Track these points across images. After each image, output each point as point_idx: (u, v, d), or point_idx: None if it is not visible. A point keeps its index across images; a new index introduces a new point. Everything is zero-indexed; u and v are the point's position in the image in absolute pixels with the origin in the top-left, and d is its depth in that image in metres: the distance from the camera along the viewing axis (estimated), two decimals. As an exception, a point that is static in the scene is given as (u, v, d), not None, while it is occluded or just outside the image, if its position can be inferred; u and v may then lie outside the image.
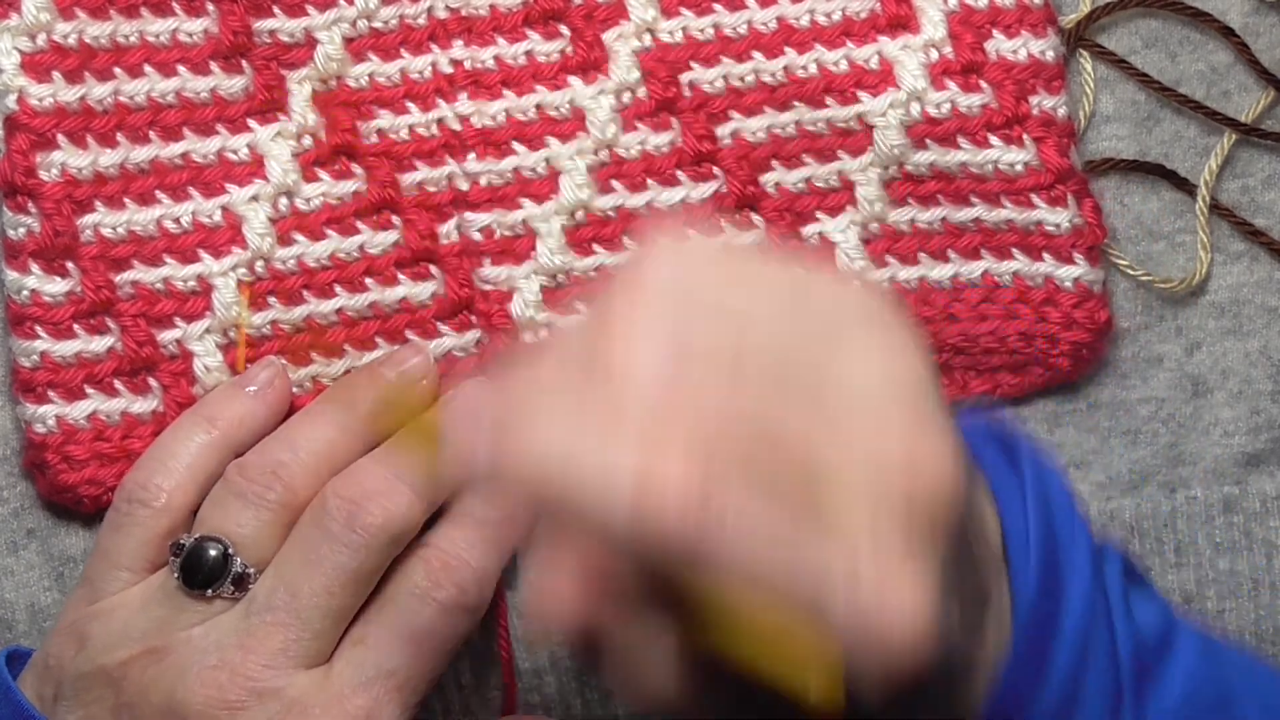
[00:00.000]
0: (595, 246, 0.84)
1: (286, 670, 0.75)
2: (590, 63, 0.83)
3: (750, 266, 0.62)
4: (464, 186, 0.83)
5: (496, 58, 0.84)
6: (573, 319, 0.80)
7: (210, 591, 0.76)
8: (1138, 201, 0.87)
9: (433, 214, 0.83)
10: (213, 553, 0.76)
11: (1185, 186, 0.87)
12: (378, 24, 0.83)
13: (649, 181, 0.84)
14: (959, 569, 0.60)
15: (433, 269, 0.83)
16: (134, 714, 0.76)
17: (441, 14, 0.84)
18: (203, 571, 0.76)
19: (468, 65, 0.84)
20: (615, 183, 0.84)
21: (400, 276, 0.83)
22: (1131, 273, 0.86)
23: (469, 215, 0.83)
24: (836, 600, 0.56)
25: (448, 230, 0.83)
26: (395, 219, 0.83)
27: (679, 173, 0.84)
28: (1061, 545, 0.67)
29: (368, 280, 0.83)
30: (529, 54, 0.84)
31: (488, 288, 0.83)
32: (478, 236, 0.83)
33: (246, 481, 0.78)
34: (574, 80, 0.84)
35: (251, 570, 0.77)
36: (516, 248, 0.83)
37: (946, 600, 0.58)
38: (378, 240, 0.83)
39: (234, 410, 0.80)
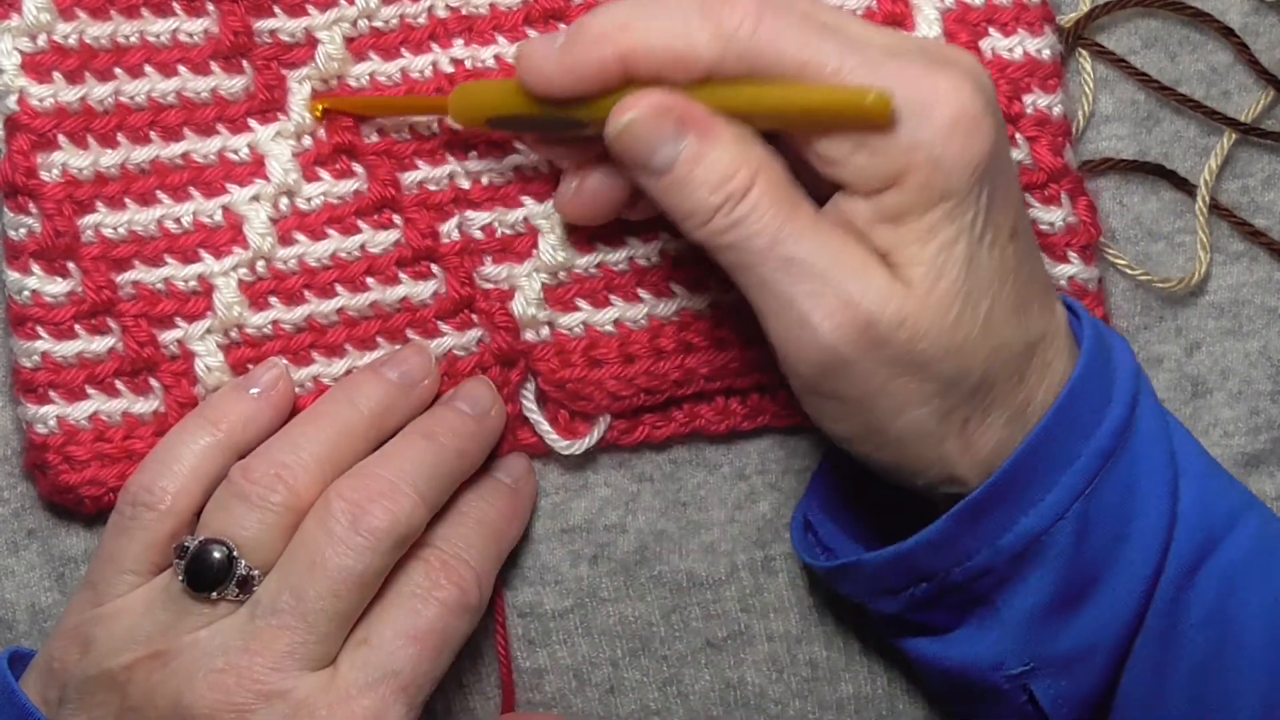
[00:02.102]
0: (597, 244, 0.84)
1: (293, 673, 0.75)
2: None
3: None
4: (465, 185, 0.83)
5: (497, 57, 0.83)
6: None
7: (215, 594, 0.76)
8: (1137, 201, 0.87)
9: (434, 213, 0.83)
10: (217, 555, 0.76)
11: (1185, 186, 0.87)
12: (378, 23, 0.83)
13: None
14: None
15: (434, 268, 0.83)
16: (140, 718, 0.76)
17: (442, 13, 0.83)
18: (207, 574, 0.76)
19: (468, 64, 0.83)
20: None
21: (401, 275, 0.83)
22: (1130, 272, 0.86)
23: (470, 214, 0.83)
24: (883, 59, 0.71)
25: (449, 229, 0.83)
26: (396, 218, 0.83)
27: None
28: (1113, 345, 0.78)
29: (369, 279, 0.83)
30: None
31: (489, 286, 0.83)
32: (479, 235, 0.83)
33: (250, 484, 0.78)
34: None
35: (256, 572, 0.77)
36: (517, 246, 0.83)
37: (999, 135, 0.72)
38: (379, 239, 0.83)
39: (237, 412, 0.80)
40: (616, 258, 0.84)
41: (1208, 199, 0.87)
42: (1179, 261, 0.87)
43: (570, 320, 0.84)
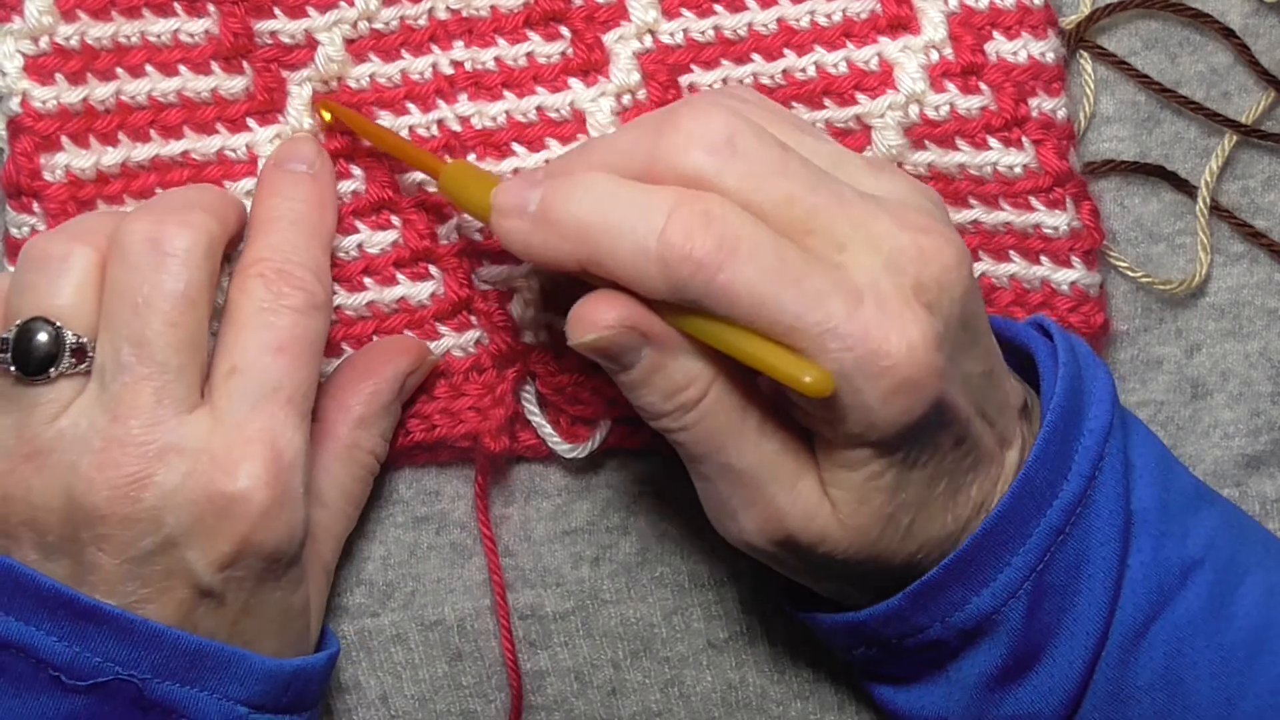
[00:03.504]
0: None
1: (171, 421, 0.74)
2: (591, 64, 0.83)
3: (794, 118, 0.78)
4: None
5: (497, 59, 0.84)
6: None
7: (53, 372, 0.74)
8: (1138, 203, 0.87)
9: (432, 214, 0.83)
10: (41, 334, 0.74)
11: (1185, 188, 0.87)
12: (378, 25, 0.83)
13: None
14: (970, 346, 0.73)
15: (432, 269, 0.83)
16: (36, 529, 0.74)
17: (442, 15, 0.84)
18: (37, 354, 0.74)
19: (468, 66, 0.84)
20: None
21: (399, 276, 0.83)
22: (1131, 274, 0.86)
23: (468, 215, 0.83)
24: (840, 316, 0.69)
25: (447, 230, 0.83)
26: (395, 219, 0.83)
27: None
28: (1086, 373, 0.78)
29: (366, 279, 0.83)
30: (530, 55, 0.84)
31: (486, 287, 0.83)
32: (477, 236, 0.83)
33: (41, 256, 0.76)
34: (574, 82, 0.84)
35: (85, 339, 0.74)
36: None
37: (956, 354, 0.72)
38: (376, 240, 0.83)
39: None
40: None
41: (1208, 200, 0.86)
42: (1179, 263, 0.87)
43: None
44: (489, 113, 0.83)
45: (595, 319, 0.72)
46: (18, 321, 0.75)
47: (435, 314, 0.83)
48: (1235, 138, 0.86)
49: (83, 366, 0.74)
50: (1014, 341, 0.80)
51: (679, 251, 0.69)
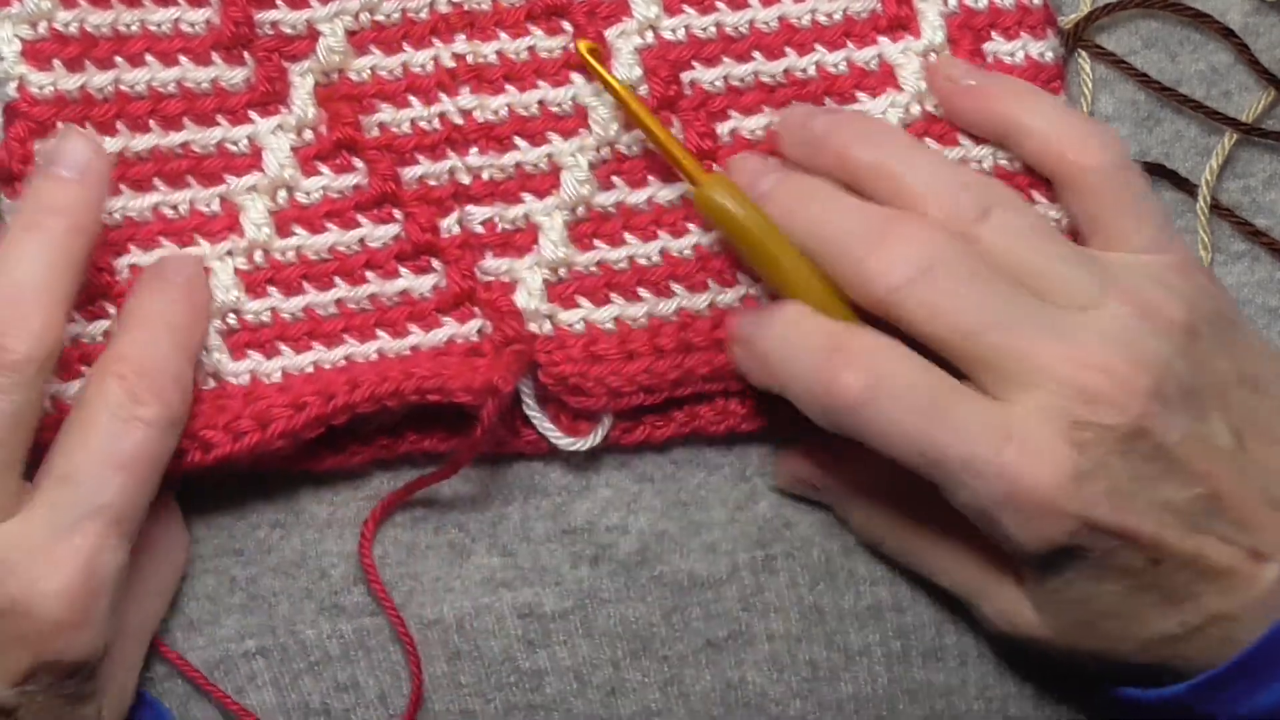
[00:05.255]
0: (596, 242, 0.83)
1: None
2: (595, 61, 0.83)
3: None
4: (465, 180, 0.83)
5: (499, 52, 0.83)
6: None
7: None
8: None
9: (434, 208, 0.82)
10: None
11: (1186, 186, 0.87)
12: (380, 17, 0.83)
13: (649, 178, 0.84)
14: (1164, 474, 0.74)
15: (434, 262, 0.83)
16: None
17: (444, 8, 0.83)
18: None
19: (470, 60, 0.83)
20: (616, 179, 0.84)
21: (401, 269, 0.82)
22: None
23: (470, 208, 0.83)
24: (983, 454, 0.73)
25: (449, 224, 0.83)
26: (396, 212, 0.82)
27: (680, 169, 0.84)
28: None
29: (367, 273, 0.82)
30: (531, 49, 0.83)
31: (489, 279, 0.83)
32: (479, 229, 0.83)
33: None
34: (576, 77, 0.83)
35: None
36: (518, 241, 0.83)
37: (1127, 484, 0.74)
38: (378, 234, 0.82)
39: None
40: (617, 256, 0.83)
41: (1209, 199, 0.87)
42: None
43: (570, 316, 0.83)
44: (491, 106, 0.83)
45: (780, 469, 0.85)
46: None
47: (437, 306, 0.82)
48: (1235, 136, 0.87)
49: None
50: None
51: (831, 395, 0.76)
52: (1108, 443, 0.74)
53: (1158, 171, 0.87)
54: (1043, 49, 0.84)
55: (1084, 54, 0.87)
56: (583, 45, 0.81)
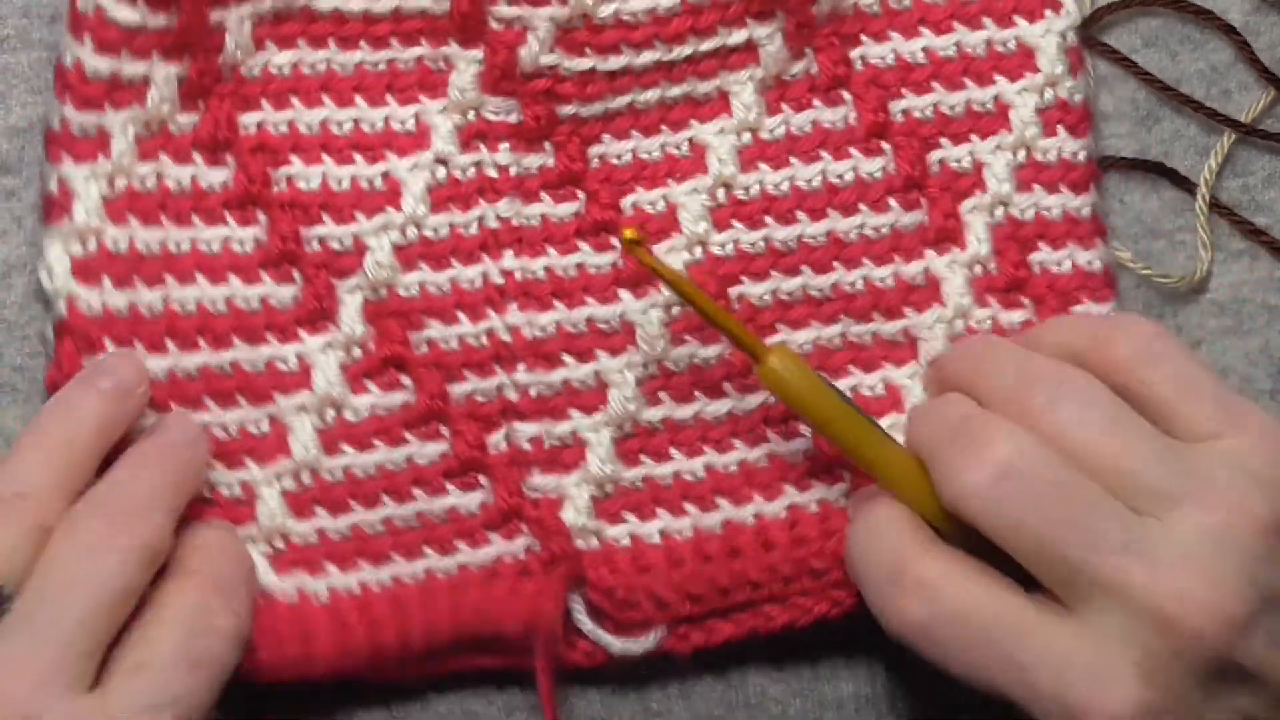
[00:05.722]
0: (643, 458, 0.84)
1: (56, 693, 0.72)
2: (641, 277, 0.83)
3: None
4: (513, 397, 0.83)
5: (548, 269, 0.83)
6: None
7: None
8: (1138, 200, 0.88)
9: (481, 424, 0.83)
10: None
11: (1185, 185, 0.88)
12: (427, 231, 0.83)
13: (696, 394, 0.84)
14: (1233, 689, 0.73)
15: (481, 478, 0.83)
16: None
17: (493, 224, 0.83)
18: None
19: (518, 276, 0.83)
20: (663, 395, 0.84)
21: (448, 486, 0.83)
22: (1132, 266, 0.87)
23: (518, 425, 0.83)
24: (1044, 681, 0.73)
25: (496, 440, 0.83)
26: (443, 429, 0.82)
27: (726, 384, 0.84)
28: None
29: (415, 490, 0.82)
30: (580, 266, 0.83)
31: (536, 495, 0.83)
32: (526, 446, 0.83)
33: None
34: (624, 294, 0.84)
35: (8, 591, 0.74)
36: (565, 457, 0.83)
37: (1194, 708, 0.73)
38: (426, 451, 0.82)
39: None
40: (663, 472, 0.84)
41: (1208, 197, 0.88)
42: (1179, 260, 0.88)
43: (617, 531, 0.83)
44: (539, 323, 0.83)
45: None
46: None
47: (485, 523, 0.83)
48: (1235, 135, 0.88)
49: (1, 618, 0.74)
50: None
51: (888, 617, 0.77)
52: (1181, 674, 0.73)
53: (1157, 170, 0.88)
54: (1091, 258, 0.84)
55: (1086, 52, 0.87)
56: (628, 233, 0.79)
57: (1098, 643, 0.73)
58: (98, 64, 0.80)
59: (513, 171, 0.84)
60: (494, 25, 0.83)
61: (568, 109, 0.84)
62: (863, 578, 0.79)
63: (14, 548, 0.75)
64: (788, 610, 0.84)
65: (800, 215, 0.84)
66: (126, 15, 0.80)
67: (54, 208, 0.81)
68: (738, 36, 0.84)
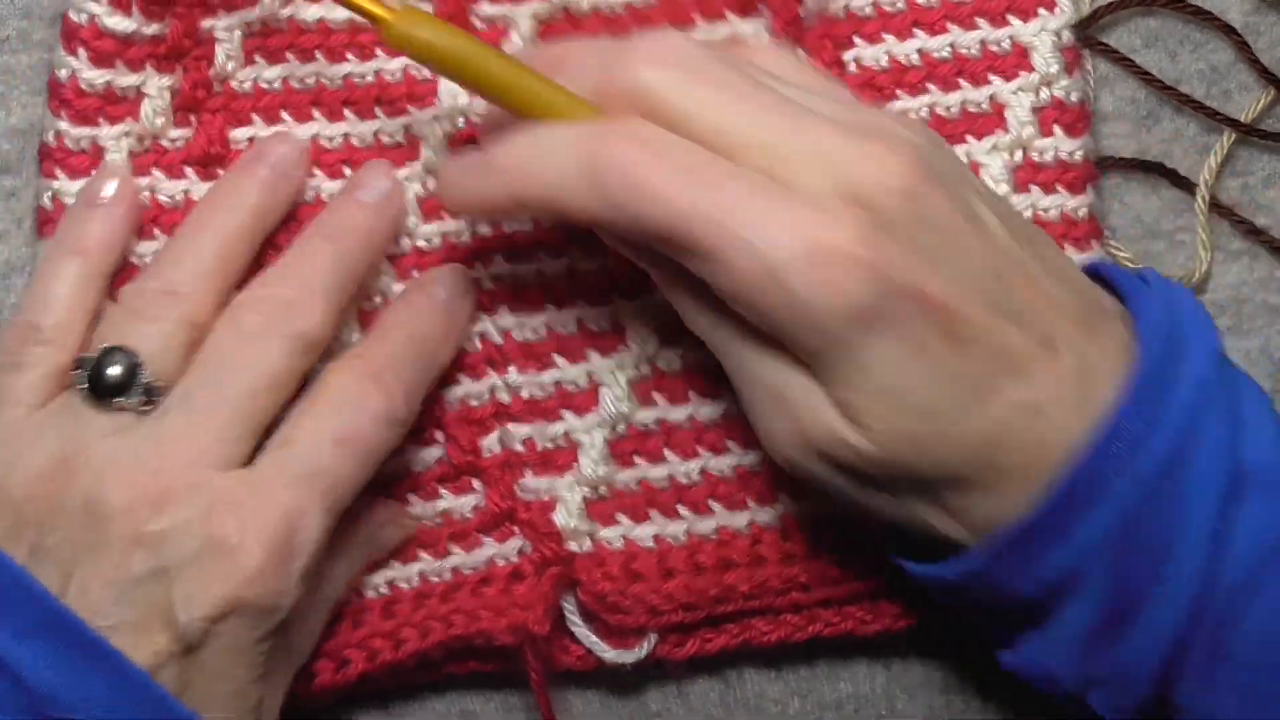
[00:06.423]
0: (637, 459, 0.84)
1: (208, 470, 0.74)
2: (632, 278, 0.83)
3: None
4: (505, 399, 0.84)
5: (539, 271, 0.84)
6: None
7: (119, 401, 0.75)
8: (1137, 200, 0.88)
9: (475, 428, 0.83)
10: (119, 363, 0.75)
11: (1185, 185, 0.88)
12: (420, 241, 0.83)
13: (690, 394, 0.84)
14: (948, 244, 0.73)
15: (474, 482, 0.83)
16: (41, 530, 0.74)
17: (484, 230, 0.84)
18: (110, 381, 0.75)
19: (510, 280, 0.84)
20: (657, 395, 0.84)
21: (442, 490, 0.83)
22: (1131, 266, 0.86)
23: (511, 427, 0.83)
24: (769, 215, 0.71)
25: (489, 443, 0.83)
26: (439, 435, 0.83)
27: (720, 386, 0.84)
28: (1186, 320, 0.76)
29: (410, 495, 0.83)
30: (570, 268, 0.84)
31: (529, 498, 0.83)
32: (519, 448, 0.83)
33: (145, 302, 0.77)
34: (615, 295, 0.84)
35: (160, 384, 0.76)
36: (558, 459, 0.84)
37: (919, 251, 0.72)
38: (422, 457, 0.83)
39: (95, 233, 0.80)
40: (658, 474, 0.84)
41: (1208, 197, 0.87)
42: (1179, 260, 0.88)
43: (610, 533, 0.84)
44: (530, 325, 0.84)
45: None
46: (104, 345, 0.76)
47: (478, 526, 0.83)
48: (1235, 135, 0.88)
49: (148, 408, 0.75)
50: (1111, 284, 0.79)
51: (596, 170, 0.72)
52: (889, 205, 0.72)
53: (1157, 170, 0.87)
54: (1086, 260, 0.84)
55: (1085, 51, 0.86)
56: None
57: (813, 185, 0.72)
58: (92, 76, 0.81)
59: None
60: (477, 24, 0.84)
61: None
62: (545, 175, 0.74)
63: (163, 345, 0.76)
64: (780, 627, 0.85)
65: None
66: (121, 23, 0.81)
67: (48, 222, 0.82)
68: (720, 31, 0.84)
